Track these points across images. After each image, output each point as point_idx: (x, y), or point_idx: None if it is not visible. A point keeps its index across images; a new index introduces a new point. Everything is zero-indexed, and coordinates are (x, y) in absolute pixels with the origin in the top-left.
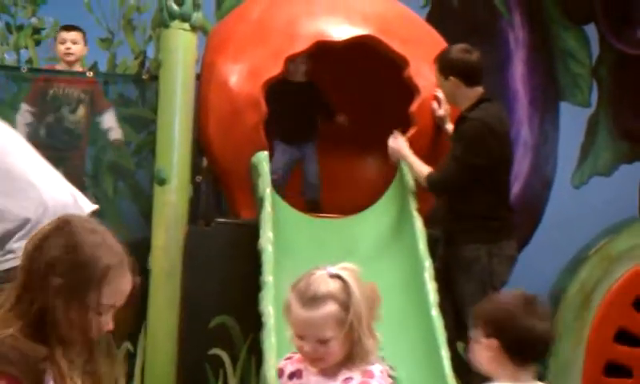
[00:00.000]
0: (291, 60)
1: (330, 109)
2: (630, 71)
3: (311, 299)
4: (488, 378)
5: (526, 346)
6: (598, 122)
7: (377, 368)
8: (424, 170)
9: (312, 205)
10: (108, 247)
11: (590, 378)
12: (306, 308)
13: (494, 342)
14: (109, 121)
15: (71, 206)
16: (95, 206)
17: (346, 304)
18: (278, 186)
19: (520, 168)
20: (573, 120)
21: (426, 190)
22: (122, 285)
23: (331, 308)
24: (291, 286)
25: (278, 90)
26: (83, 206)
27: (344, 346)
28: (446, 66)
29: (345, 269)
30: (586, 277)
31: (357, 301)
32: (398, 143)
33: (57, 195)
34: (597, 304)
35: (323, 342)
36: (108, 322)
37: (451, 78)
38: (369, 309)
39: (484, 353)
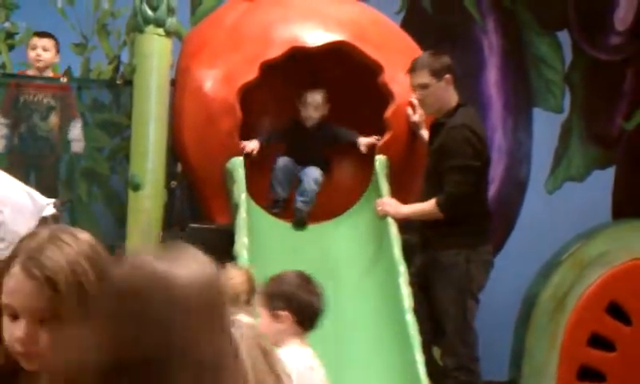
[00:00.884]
0: (302, 104)
1: (350, 139)
2: (602, 77)
3: None
4: None
5: (309, 316)
6: (570, 127)
7: None
8: (428, 205)
9: (299, 219)
10: (13, 245)
11: (563, 383)
12: None
13: (286, 314)
14: (74, 132)
15: (29, 204)
16: (52, 200)
17: None
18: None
19: (494, 173)
20: (546, 126)
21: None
22: (9, 282)
23: None
24: None
25: (293, 128)
26: (39, 199)
27: None
28: (441, 67)
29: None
30: (560, 281)
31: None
32: (391, 205)
33: (10, 194)
34: (570, 309)
35: None
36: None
37: (447, 76)
38: (262, 357)
39: (275, 326)
